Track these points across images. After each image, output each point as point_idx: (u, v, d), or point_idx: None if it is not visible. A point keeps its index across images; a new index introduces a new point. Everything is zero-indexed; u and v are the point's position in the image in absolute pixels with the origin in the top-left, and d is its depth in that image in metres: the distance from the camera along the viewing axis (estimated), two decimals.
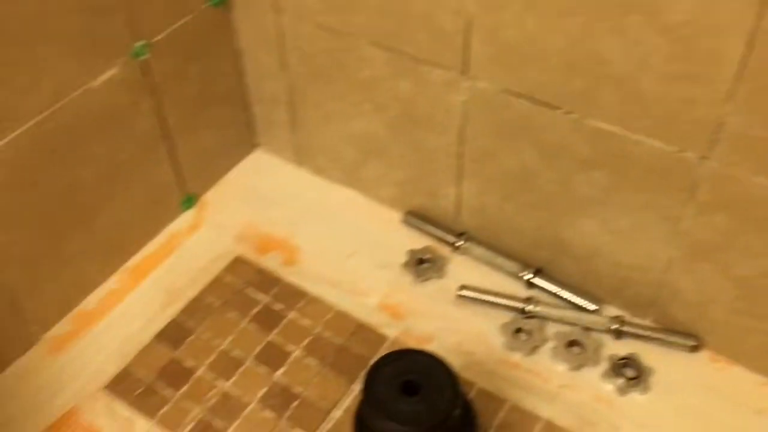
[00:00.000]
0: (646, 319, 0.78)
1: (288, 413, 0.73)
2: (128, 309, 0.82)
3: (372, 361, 0.64)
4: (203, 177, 0.93)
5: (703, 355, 0.75)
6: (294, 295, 0.83)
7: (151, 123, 0.82)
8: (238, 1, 0.84)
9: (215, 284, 0.84)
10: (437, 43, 0.72)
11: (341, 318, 0.81)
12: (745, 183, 0.62)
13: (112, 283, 0.84)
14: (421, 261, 0.85)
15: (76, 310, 0.81)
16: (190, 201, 0.92)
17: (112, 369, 0.77)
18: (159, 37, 0.78)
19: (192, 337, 0.79)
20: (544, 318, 0.78)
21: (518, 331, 0.78)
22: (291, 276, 0.85)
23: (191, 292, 0.83)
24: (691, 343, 0.74)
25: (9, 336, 0.75)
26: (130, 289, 0.84)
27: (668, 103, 0.62)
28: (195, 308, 0.82)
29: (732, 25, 0.55)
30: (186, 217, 0.91)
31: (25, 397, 0.74)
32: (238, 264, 0.86)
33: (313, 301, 0.82)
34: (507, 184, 0.78)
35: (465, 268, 0.84)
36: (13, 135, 0.67)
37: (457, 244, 0.85)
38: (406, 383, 0.61)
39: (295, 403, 0.74)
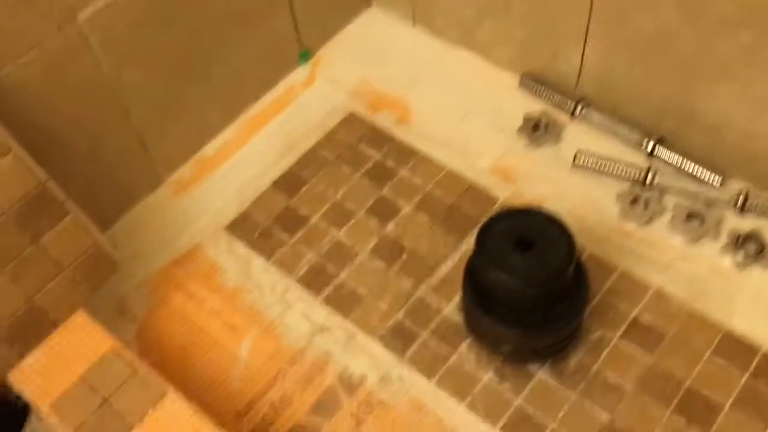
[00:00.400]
0: None
1: (397, 264, 0.75)
2: (246, 157, 0.85)
3: (482, 220, 0.64)
4: (319, 32, 0.93)
5: None
6: (406, 153, 0.83)
7: None
8: None
9: (329, 138, 0.86)
10: None
11: (452, 178, 0.81)
12: None
13: (231, 131, 0.87)
14: (536, 126, 0.82)
15: (198, 155, 0.85)
16: (306, 55, 0.92)
17: (231, 212, 0.81)
18: None
19: (306, 187, 0.82)
20: (663, 189, 0.76)
21: (635, 200, 0.76)
22: (403, 134, 0.85)
23: (306, 144, 0.85)
24: None
25: (138, 174, 0.80)
26: (248, 138, 0.86)
27: None
28: (309, 160, 0.84)
29: None
30: (302, 71, 0.92)
31: (153, 232, 0.80)
32: (351, 120, 0.87)
33: (425, 160, 0.82)
34: (638, 46, 0.73)
35: (582, 136, 0.82)
36: None
37: (575, 110, 0.82)
38: (520, 239, 0.61)
39: (404, 256, 0.76)
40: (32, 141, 0.63)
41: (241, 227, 0.79)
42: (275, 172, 0.83)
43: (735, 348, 0.67)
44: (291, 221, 0.79)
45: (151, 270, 0.77)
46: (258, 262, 0.77)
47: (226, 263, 0.77)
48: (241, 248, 0.78)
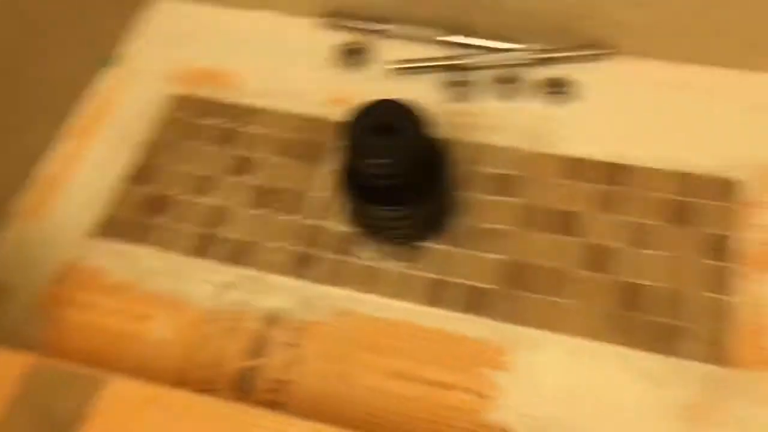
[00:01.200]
0: (563, 44, 0.86)
1: (274, 206, 0.79)
2: (87, 164, 0.84)
3: (332, 143, 0.70)
4: (120, 29, 0.93)
5: (618, 59, 0.85)
6: (244, 113, 0.87)
7: None
8: None
9: (163, 124, 0.87)
10: None
11: (294, 120, 0.86)
12: None
13: (64, 144, 0.85)
14: (350, 52, 0.90)
15: (37, 176, 0.83)
16: (112, 56, 0.92)
17: (93, 217, 0.80)
18: None
19: (160, 172, 0.83)
20: (474, 68, 0.86)
21: (455, 84, 0.85)
22: (234, 99, 0.88)
23: (144, 135, 0.86)
24: (605, 51, 0.84)
25: None
26: (83, 146, 0.85)
27: None
28: (153, 147, 0.85)
29: None
30: (115, 70, 0.92)
31: (20, 264, 0.77)
32: (179, 101, 0.89)
33: (264, 113, 0.86)
34: None
35: (394, 49, 0.90)
36: None
37: (378, 29, 0.90)
38: (379, 126, 0.68)
39: (277, 196, 0.80)
40: None
41: (109, 228, 0.79)
42: (123, 169, 0.83)
43: (576, 167, 0.78)
44: (158, 205, 0.80)
45: (34, 299, 0.74)
46: (140, 252, 0.77)
47: (108, 264, 0.76)
48: (118, 246, 0.77)
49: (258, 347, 0.70)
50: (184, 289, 0.74)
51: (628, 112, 0.82)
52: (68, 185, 0.82)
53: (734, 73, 0.82)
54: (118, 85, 0.91)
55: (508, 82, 0.85)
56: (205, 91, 0.89)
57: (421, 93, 0.86)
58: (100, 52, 0.91)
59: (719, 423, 0.63)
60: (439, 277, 0.73)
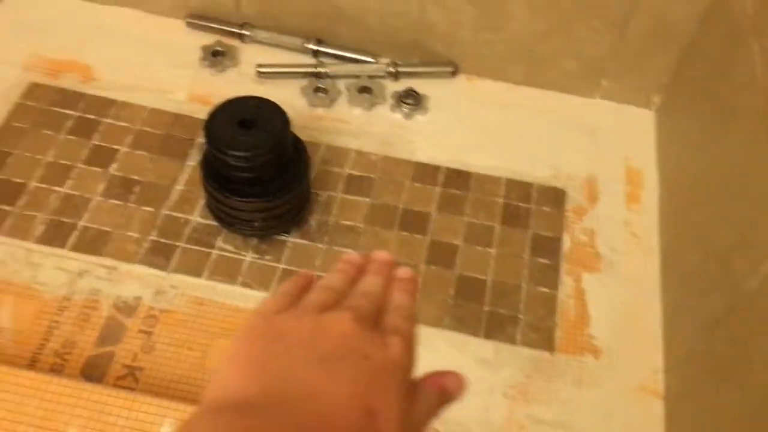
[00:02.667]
0: (414, 60, 0.94)
1: (133, 197, 0.79)
2: None
3: (195, 140, 0.72)
4: None
5: (462, 78, 0.94)
6: (103, 105, 0.87)
7: None
8: None
9: (17, 111, 0.85)
10: None
11: (156, 114, 0.87)
12: None
13: None
14: (214, 53, 0.92)
15: None
16: None
17: None
18: None
19: (12, 158, 0.81)
20: (334, 76, 0.91)
21: (316, 90, 0.90)
22: (94, 90, 0.88)
23: None
24: (450, 69, 0.92)
25: None
26: None
27: None
28: (4, 134, 0.83)
29: None
30: None
31: None
32: (34, 89, 0.87)
33: (124, 106, 0.87)
34: None
35: (256, 53, 0.93)
36: None
37: (242, 34, 0.93)
38: (242, 121, 0.71)
39: (137, 188, 0.80)
40: None
41: None
42: None
43: (424, 172, 0.85)
44: (8, 193, 0.78)
45: None
46: None
47: None
48: None
49: (111, 336, 0.70)
50: (35, 278, 0.73)
51: (470, 125, 0.89)
52: None
53: (565, 96, 0.93)
54: None
55: (365, 92, 0.90)
56: (65, 81, 0.88)
57: (283, 96, 0.89)
58: None
59: (541, 401, 0.71)
60: (293, 268, 0.76)
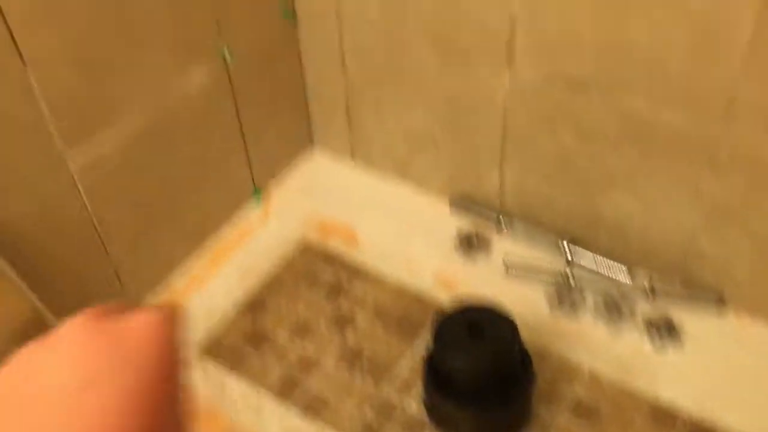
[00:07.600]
0: (675, 281, 0.86)
1: (358, 369, 0.83)
2: (211, 286, 0.92)
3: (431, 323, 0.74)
4: (269, 171, 1.04)
5: (729, 312, 0.84)
6: (357, 273, 0.93)
7: (232, 123, 0.93)
8: (304, 13, 0.96)
9: (286, 264, 0.94)
10: (484, 39, 0.83)
11: (400, 290, 0.90)
12: (758, 146, 0.72)
13: (195, 263, 0.95)
14: (469, 240, 0.94)
15: (165, 287, 0.92)
16: (258, 192, 1.02)
17: (200, 337, 0.87)
18: (241, 44, 0.89)
19: (270, 309, 0.89)
20: (583, 286, 0.88)
21: (561, 298, 0.87)
22: (353, 257, 0.95)
23: (266, 272, 0.93)
24: (717, 301, 0.83)
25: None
26: (212, 269, 0.94)
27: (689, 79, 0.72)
28: (270, 285, 0.92)
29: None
30: (256, 207, 1.02)
31: None
32: (304, 247, 0.97)
33: (374, 278, 0.92)
34: (545, 164, 0.88)
35: (509, 244, 0.94)
36: (126, 128, 0.79)
37: (501, 224, 0.95)
38: (471, 327, 0.71)
39: (364, 361, 0.83)
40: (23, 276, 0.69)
41: (213, 351, 0.85)
42: (240, 298, 0.90)
43: (661, 415, 0.76)
44: (258, 340, 0.86)
45: None
46: (231, 380, 0.82)
47: (202, 387, 0.82)
48: (215, 370, 0.83)
49: None
50: (259, 427, 0.78)
51: (729, 372, 0.79)
52: (187, 301, 0.90)
53: None
54: (259, 220, 1.00)
55: (614, 309, 0.85)
56: (331, 244, 0.96)
57: (526, 295, 0.88)
58: (255, 184, 1.01)
59: None
60: None
